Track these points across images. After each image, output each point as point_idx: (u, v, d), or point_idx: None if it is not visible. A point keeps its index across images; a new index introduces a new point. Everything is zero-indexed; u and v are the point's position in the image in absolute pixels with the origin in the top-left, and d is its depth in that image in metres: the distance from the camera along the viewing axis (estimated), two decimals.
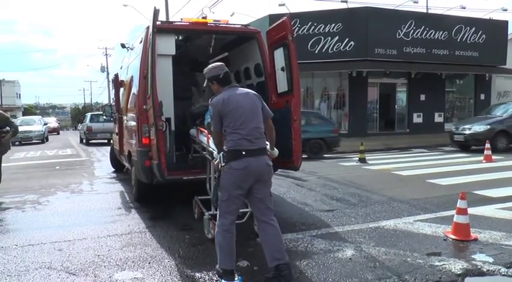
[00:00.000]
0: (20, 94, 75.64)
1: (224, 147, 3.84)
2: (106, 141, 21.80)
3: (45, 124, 28.49)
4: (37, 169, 12.06)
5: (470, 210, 5.19)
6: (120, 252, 4.71)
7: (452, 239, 4.92)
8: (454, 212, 5.12)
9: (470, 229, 5.00)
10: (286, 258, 3.81)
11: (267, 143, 4.11)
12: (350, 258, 4.41)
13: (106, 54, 52.67)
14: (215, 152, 4.39)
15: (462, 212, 4.98)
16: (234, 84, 4.10)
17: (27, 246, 4.99)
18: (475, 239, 4.90)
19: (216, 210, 4.12)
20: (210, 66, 4.18)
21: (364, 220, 5.89)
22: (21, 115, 48.92)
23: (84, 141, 24.16)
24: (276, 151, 4.29)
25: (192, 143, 6.66)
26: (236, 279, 3.76)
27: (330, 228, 5.52)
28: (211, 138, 4.85)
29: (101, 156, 15.10)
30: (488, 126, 14.13)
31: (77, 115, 68.01)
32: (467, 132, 14.47)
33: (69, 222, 6.08)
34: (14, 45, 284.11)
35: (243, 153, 3.74)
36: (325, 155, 13.79)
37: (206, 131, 5.51)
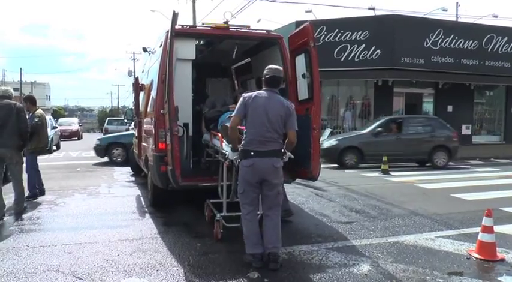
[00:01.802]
0: (49, 96, 77.62)
1: (239, 146, 4.34)
2: None
3: (55, 127, 21.66)
4: (58, 170, 12.18)
5: (497, 228, 4.92)
6: (129, 257, 4.62)
7: (476, 258, 4.66)
8: (479, 229, 4.86)
9: (497, 248, 4.72)
10: (278, 250, 4.36)
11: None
12: (366, 274, 4.20)
13: (134, 59, 53.49)
14: (228, 153, 4.79)
15: (488, 230, 4.71)
16: (273, 89, 4.44)
17: (38, 247, 4.96)
18: (502, 260, 4.62)
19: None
20: (269, 66, 4.59)
21: (383, 234, 5.66)
22: (51, 116, 49.40)
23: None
24: (287, 157, 4.54)
25: (205, 147, 6.66)
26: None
27: (347, 241, 5.32)
28: (224, 141, 5.15)
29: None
30: (336, 142, 13.69)
31: (103, 118, 69.24)
32: (324, 146, 13.49)
33: (82, 225, 6.05)
34: (46, 48, 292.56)
35: (252, 153, 4.24)
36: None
37: (220, 135, 5.50)
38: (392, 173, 11.64)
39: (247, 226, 4.36)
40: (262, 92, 4.41)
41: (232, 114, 4.47)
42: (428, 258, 4.70)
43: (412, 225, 6.14)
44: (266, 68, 4.56)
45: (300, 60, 6.40)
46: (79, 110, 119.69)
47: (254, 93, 4.40)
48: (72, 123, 32.81)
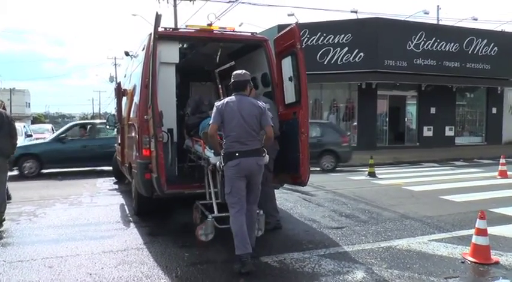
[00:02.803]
0: (29, 103, 76.19)
1: (222, 151, 4.61)
2: None
3: (29, 135, 19.05)
4: (38, 178, 11.83)
5: (489, 230, 4.83)
6: (114, 270, 4.41)
7: (471, 262, 4.57)
8: (471, 231, 4.81)
9: (491, 251, 4.64)
10: (253, 243, 4.67)
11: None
12: None
13: (115, 64, 52.87)
14: (211, 158, 5.07)
15: (482, 232, 4.63)
16: (241, 93, 4.71)
17: (16, 262, 4.71)
18: (496, 263, 4.55)
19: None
20: (235, 71, 4.89)
21: (375, 239, 5.54)
22: (30, 124, 48.21)
23: None
24: (266, 159, 4.77)
25: (188, 153, 6.63)
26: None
27: (339, 248, 5.19)
28: (206, 147, 5.34)
29: (105, 167, 14.80)
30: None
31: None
32: None
33: (63, 237, 5.79)
34: (25, 54, 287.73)
35: (236, 154, 4.50)
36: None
37: (201, 141, 5.59)
38: (379, 176, 11.58)
39: (236, 225, 4.51)
40: (232, 97, 4.69)
41: (210, 123, 4.70)
42: (422, 263, 4.59)
43: (403, 229, 6.04)
44: (233, 74, 4.85)
45: (286, 63, 6.27)
46: (60, 117, 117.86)
47: (225, 100, 4.70)
48: (45, 131, 26.56)
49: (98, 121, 16.96)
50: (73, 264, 4.60)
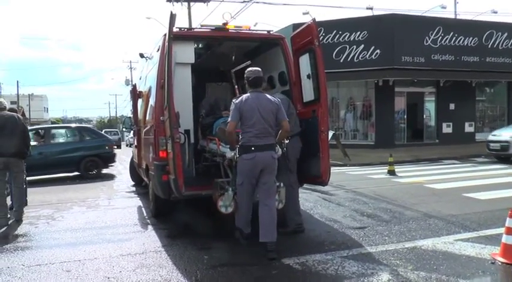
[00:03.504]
0: (47, 108, 77.34)
1: (238, 144, 4.80)
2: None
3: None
4: (57, 182, 11.89)
5: None
6: (132, 274, 4.33)
7: (502, 263, 4.37)
8: (499, 230, 4.62)
9: None
10: (274, 238, 4.73)
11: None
12: None
13: (130, 68, 53.30)
14: (227, 153, 5.21)
15: None
16: (258, 90, 4.91)
17: (34, 266, 4.67)
18: None
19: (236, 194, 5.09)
20: (249, 68, 5.06)
21: (399, 239, 5.37)
22: None
23: None
24: (279, 153, 4.99)
25: (202, 152, 6.68)
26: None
27: (362, 248, 5.03)
28: (221, 143, 5.56)
29: (122, 169, 14.86)
30: None
31: (102, 128, 68.98)
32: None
33: (81, 240, 5.75)
34: (43, 60, 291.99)
35: (252, 148, 4.71)
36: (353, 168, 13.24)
37: (216, 139, 5.80)
38: (399, 174, 11.34)
39: (242, 205, 4.97)
40: (250, 94, 4.87)
41: (228, 120, 4.90)
42: (449, 264, 4.41)
43: (427, 228, 5.84)
44: (247, 71, 5.03)
45: (304, 61, 6.13)
46: (77, 121, 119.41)
47: (243, 97, 4.87)
48: None
49: (54, 125, 16.39)
50: (91, 268, 4.53)
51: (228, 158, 5.20)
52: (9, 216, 6.79)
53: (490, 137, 14.82)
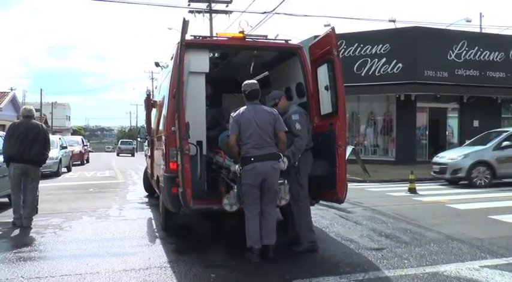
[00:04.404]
0: (69, 116, 78.68)
1: (240, 156, 4.94)
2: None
3: (64, 147, 18.39)
4: (70, 191, 11.80)
5: None
6: None
7: None
8: None
9: None
10: (273, 241, 4.96)
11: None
12: None
13: (152, 78, 53.73)
14: (231, 166, 5.28)
15: None
16: (255, 102, 5.09)
17: (34, 278, 4.47)
18: None
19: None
20: (246, 82, 5.25)
21: (419, 263, 5.01)
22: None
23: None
24: (283, 165, 4.99)
25: (210, 164, 6.58)
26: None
27: (379, 272, 4.69)
28: (227, 157, 5.58)
29: (138, 179, 14.75)
30: None
31: (122, 137, 69.65)
32: None
33: (85, 252, 5.56)
34: (67, 69, 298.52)
35: (252, 159, 4.85)
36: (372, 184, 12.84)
37: (222, 152, 5.80)
38: (421, 192, 10.92)
39: (250, 223, 4.94)
40: (247, 107, 5.05)
41: (229, 133, 5.08)
42: None
43: (450, 252, 5.46)
44: (243, 84, 5.20)
45: (322, 72, 5.88)
46: (99, 130, 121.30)
47: (241, 110, 5.04)
48: (74, 143, 24.55)
49: None
50: None
51: (232, 171, 5.24)
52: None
53: (434, 159, 13.94)
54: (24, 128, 6.90)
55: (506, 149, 12.49)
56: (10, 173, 6.98)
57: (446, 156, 13.51)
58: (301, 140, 5.24)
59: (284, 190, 5.28)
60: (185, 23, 5.07)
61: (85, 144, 29.27)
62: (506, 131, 13.35)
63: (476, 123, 20.58)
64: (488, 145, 12.82)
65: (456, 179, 12.82)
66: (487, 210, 8.28)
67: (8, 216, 7.55)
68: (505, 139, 12.74)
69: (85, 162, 25.78)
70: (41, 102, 56.84)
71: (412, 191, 10.97)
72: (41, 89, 73.63)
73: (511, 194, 10.85)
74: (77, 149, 23.89)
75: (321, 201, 6.82)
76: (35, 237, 6.31)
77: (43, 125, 7.44)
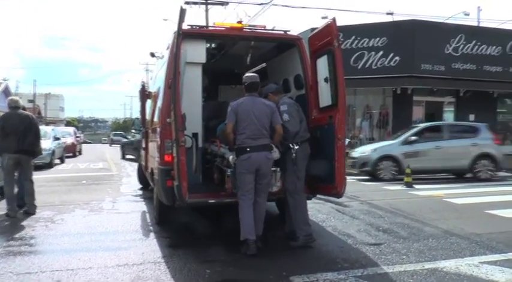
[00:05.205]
0: (63, 107, 78.13)
1: (235, 146, 5.07)
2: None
3: (57, 139, 17.89)
4: (63, 183, 11.64)
5: None
6: None
7: None
8: None
9: None
10: (261, 232, 5.12)
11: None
12: None
13: (147, 69, 53.32)
14: (226, 153, 5.57)
15: None
16: (254, 94, 5.18)
17: (23, 274, 4.35)
18: None
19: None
20: (246, 74, 5.41)
21: (418, 259, 4.92)
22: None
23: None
24: (276, 154, 5.12)
25: (205, 154, 6.66)
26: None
27: (378, 268, 4.60)
28: (222, 145, 5.85)
29: (132, 172, 14.59)
30: None
31: (117, 129, 69.18)
32: None
33: (77, 246, 5.43)
34: (63, 60, 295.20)
35: (248, 149, 4.95)
36: (366, 177, 12.77)
37: (217, 140, 6.10)
38: (417, 186, 10.85)
39: (244, 214, 4.97)
40: (246, 98, 5.14)
41: (226, 122, 5.18)
42: None
43: (449, 247, 5.39)
44: (244, 76, 5.32)
45: (322, 63, 5.76)
46: (93, 121, 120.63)
47: (240, 100, 5.13)
48: (66, 135, 23.23)
49: None
50: (83, 279, 4.20)
51: (226, 158, 5.47)
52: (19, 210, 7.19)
53: (350, 154, 13.68)
54: (18, 119, 6.97)
55: (414, 143, 12.67)
56: (3, 164, 7.02)
57: (359, 151, 13.69)
58: (288, 130, 5.21)
59: (275, 177, 5.43)
60: (182, 12, 4.92)
61: (78, 135, 28.67)
62: (417, 127, 13.76)
63: (472, 117, 20.49)
64: (397, 140, 13.01)
65: (364, 172, 12.99)
66: (484, 205, 8.24)
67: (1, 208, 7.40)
68: (413, 134, 12.94)
69: (77, 154, 25.18)
70: (34, 93, 56.39)
71: (409, 184, 10.90)
72: (34, 80, 73.00)
73: (507, 188, 10.82)
74: (69, 140, 23.20)
75: (317, 195, 6.75)
76: (25, 231, 6.17)
77: (33, 115, 7.58)
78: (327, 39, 5.43)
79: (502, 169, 13.52)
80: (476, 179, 12.53)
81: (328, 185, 5.43)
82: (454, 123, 16.11)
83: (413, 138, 12.76)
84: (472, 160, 12.69)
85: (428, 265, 4.70)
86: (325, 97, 5.69)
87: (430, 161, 12.55)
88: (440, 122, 15.11)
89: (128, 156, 21.48)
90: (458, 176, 13.27)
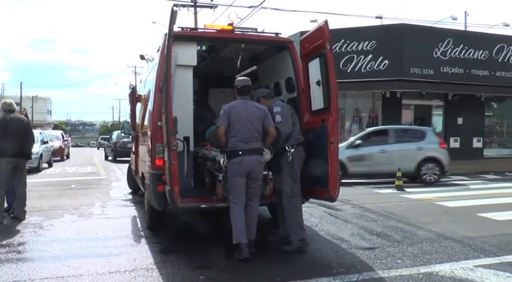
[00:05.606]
0: (51, 111, 77.25)
1: (226, 149, 5.02)
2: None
3: (45, 142, 17.80)
4: (52, 187, 11.44)
5: None
6: None
7: None
8: None
9: None
10: (254, 236, 5.05)
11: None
12: None
13: (135, 72, 52.99)
14: (217, 156, 5.56)
15: None
16: (246, 97, 5.20)
17: None
18: None
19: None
20: (239, 77, 5.47)
21: (413, 263, 4.90)
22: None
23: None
24: (267, 156, 5.14)
25: (196, 158, 6.66)
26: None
27: (373, 273, 4.57)
28: (213, 148, 5.90)
29: (121, 175, 14.44)
30: None
31: (105, 132, 68.56)
32: None
33: (67, 253, 5.31)
34: (50, 63, 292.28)
35: (240, 152, 4.92)
36: (359, 181, 12.76)
37: (208, 144, 6.15)
38: (408, 189, 10.88)
39: (236, 218, 4.95)
40: (238, 101, 5.16)
41: (218, 124, 5.17)
42: None
43: (443, 251, 5.37)
44: (236, 79, 5.36)
45: (314, 66, 5.72)
46: (81, 124, 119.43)
47: (232, 103, 5.16)
48: (53, 139, 22.78)
49: None
50: None
51: (218, 161, 5.42)
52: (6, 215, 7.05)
53: None
54: (16, 123, 6.92)
55: (360, 147, 12.71)
56: (2, 168, 6.79)
57: None
58: (280, 132, 5.18)
59: (266, 181, 5.41)
60: (174, 13, 4.86)
61: (65, 139, 28.23)
62: (364, 131, 13.86)
63: (460, 120, 20.68)
64: (343, 144, 12.78)
65: None
66: (476, 208, 8.27)
67: None
68: (359, 138, 13.01)
69: (65, 158, 24.73)
70: (21, 96, 55.67)
71: (400, 188, 10.93)
72: (21, 82, 72.15)
73: (497, 191, 10.89)
74: (57, 144, 22.57)
75: (310, 199, 6.71)
76: (13, 237, 6.01)
77: (27, 119, 7.60)
78: (319, 42, 5.41)
79: (447, 172, 13.53)
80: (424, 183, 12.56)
81: (322, 189, 5.39)
82: (401, 127, 15.95)
83: (358, 142, 12.78)
84: (417, 164, 12.68)
85: (423, 269, 4.68)
86: (317, 100, 5.65)
87: (376, 165, 12.51)
88: (387, 126, 15.04)
89: (109, 158, 24.57)
90: (409, 179, 12.77)
